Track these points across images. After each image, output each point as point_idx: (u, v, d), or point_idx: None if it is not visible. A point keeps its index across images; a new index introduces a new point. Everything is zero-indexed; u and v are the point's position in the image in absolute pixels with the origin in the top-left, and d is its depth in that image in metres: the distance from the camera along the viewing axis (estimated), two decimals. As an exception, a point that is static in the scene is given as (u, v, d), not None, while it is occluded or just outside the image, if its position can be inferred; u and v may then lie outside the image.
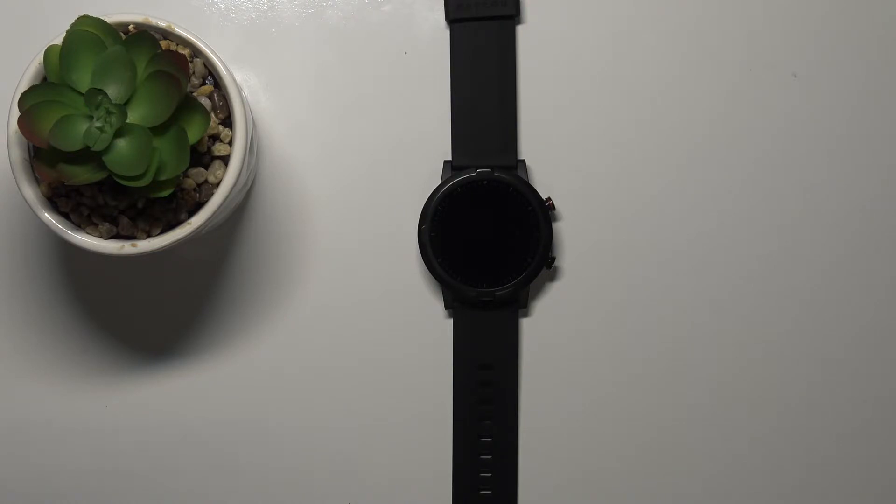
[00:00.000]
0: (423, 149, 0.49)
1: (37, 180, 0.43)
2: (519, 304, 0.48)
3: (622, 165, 0.49)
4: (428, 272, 0.48)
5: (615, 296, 0.50)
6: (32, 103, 0.40)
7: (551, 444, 0.50)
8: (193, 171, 0.43)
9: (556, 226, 0.49)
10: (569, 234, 0.49)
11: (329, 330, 0.50)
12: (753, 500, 0.50)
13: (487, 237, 0.47)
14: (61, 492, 0.50)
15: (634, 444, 0.50)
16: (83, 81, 0.40)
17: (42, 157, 0.41)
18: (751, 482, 0.50)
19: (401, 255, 0.49)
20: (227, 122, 0.44)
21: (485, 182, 0.47)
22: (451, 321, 0.49)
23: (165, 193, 0.41)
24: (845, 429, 0.50)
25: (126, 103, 0.40)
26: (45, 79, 0.42)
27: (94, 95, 0.39)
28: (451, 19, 0.48)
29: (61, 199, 0.43)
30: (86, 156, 0.40)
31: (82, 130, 0.39)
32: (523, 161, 0.48)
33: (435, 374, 0.50)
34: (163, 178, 0.40)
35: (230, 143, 0.43)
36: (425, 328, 0.50)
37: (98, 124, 0.39)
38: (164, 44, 0.43)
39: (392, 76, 0.49)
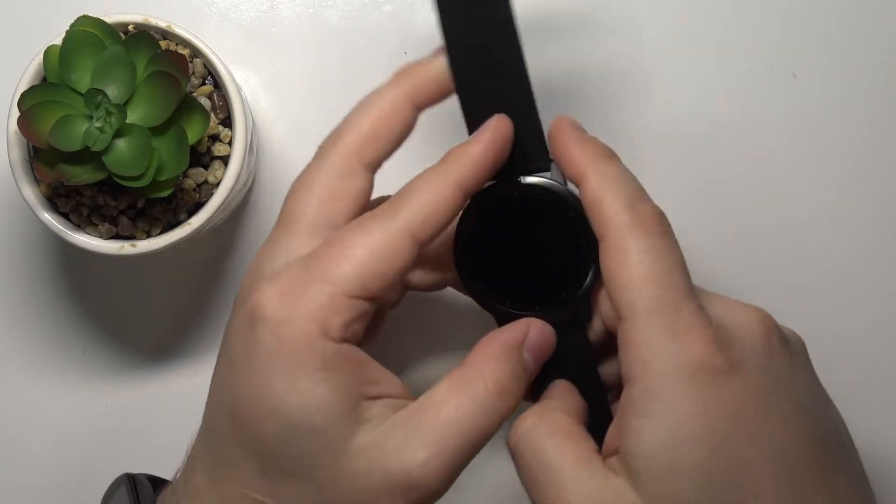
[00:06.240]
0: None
1: (37, 180, 0.43)
2: (583, 319, 0.39)
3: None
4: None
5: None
6: (32, 103, 0.40)
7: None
8: (193, 171, 0.43)
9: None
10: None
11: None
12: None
13: (530, 255, 0.39)
14: (61, 492, 0.50)
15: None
16: (83, 81, 0.40)
17: (42, 157, 0.41)
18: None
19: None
20: (227, 122, 0.44)
21: (515, 194, 0.38)
22: None
23: (165, 193, 0.41)
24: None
25: (126, 103, 0.40)
26: (44, 79, 0.42)
27: (94, 95, 0.39)
28: None
29: (61, 199, 0.43)
30: (86, 156, 0.40)
31: (82, 130, 0.39)
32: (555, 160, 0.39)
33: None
34: (162, 178, 0.40)
35: (230, 143, 0.43)
36: (441, 340, 0.49)
37: (98, 124, 0.39)
38: (163, 44, 0.43)
39: (392, 76, 0.49)
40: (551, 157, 0.38)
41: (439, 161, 0.36)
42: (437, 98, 0.38)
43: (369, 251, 0.34)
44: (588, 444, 0.36)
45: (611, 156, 0.37)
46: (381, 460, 0.34)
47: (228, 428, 0.36)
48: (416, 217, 0.35)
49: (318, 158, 0.38)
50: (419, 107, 0.38)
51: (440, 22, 0.37)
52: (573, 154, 0.37)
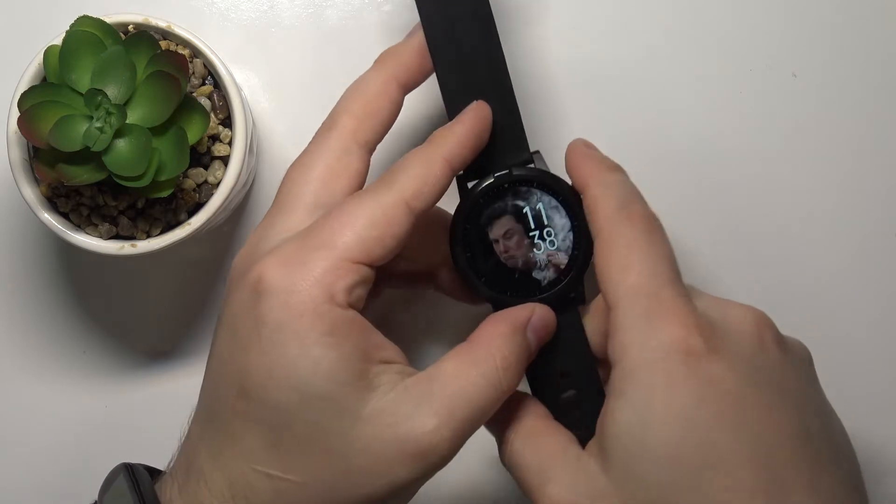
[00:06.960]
0: (423, 149, 0.49)
1: (37, 180, 0.43)
2: (577, 300, 0.41)
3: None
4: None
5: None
6: (32, 103, 0.40)
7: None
8: (193, 171, 0.43)
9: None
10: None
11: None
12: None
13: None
14: (61, 492, 0.50)
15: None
16: (83, 82, 0.40)
17: (42, 157, 0.41)
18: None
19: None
20: (227, 122, 0.44)
21: (504, 186, 0.40)
22: None
23: (165, 194, 0.41)
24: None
25: (126, 103, 0.40)
26: (44, 79, 0.42)
27: (94, 96, 0.39)
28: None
29: (61, 199, 0.43)
30: (85, 156, 0.40)
31: (82, 130, 0.39)
32: (538, 152, 0.42)
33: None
34: (162, 178, 0.40)
35: (230, 144, 0.43)
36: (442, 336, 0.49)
37: (98, 124, 0.39)
38: (163, 44, 0.43)
39: (392, 76, 0.49)
40: (536, 149, 0.41)
41: (426, 142, 0.38)
42: (420, 74, 0.40)
43: (368, 219, 0.36)
44: (561, 434, 0.38)
45: (613, 168, 0.40)
46: (393, 426, 0.35)
47: (234, 403, 0.36)
48: (410, 187, 0.37)
49: (314, 142, 0.39)
50: (404, 85, 0.40)
51: (421, 17, 0.40)
52: (579, 167, 0.40)
